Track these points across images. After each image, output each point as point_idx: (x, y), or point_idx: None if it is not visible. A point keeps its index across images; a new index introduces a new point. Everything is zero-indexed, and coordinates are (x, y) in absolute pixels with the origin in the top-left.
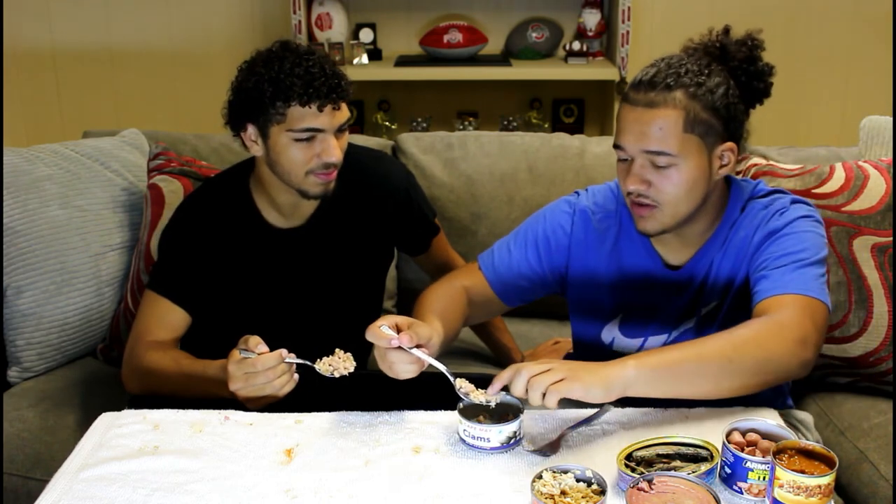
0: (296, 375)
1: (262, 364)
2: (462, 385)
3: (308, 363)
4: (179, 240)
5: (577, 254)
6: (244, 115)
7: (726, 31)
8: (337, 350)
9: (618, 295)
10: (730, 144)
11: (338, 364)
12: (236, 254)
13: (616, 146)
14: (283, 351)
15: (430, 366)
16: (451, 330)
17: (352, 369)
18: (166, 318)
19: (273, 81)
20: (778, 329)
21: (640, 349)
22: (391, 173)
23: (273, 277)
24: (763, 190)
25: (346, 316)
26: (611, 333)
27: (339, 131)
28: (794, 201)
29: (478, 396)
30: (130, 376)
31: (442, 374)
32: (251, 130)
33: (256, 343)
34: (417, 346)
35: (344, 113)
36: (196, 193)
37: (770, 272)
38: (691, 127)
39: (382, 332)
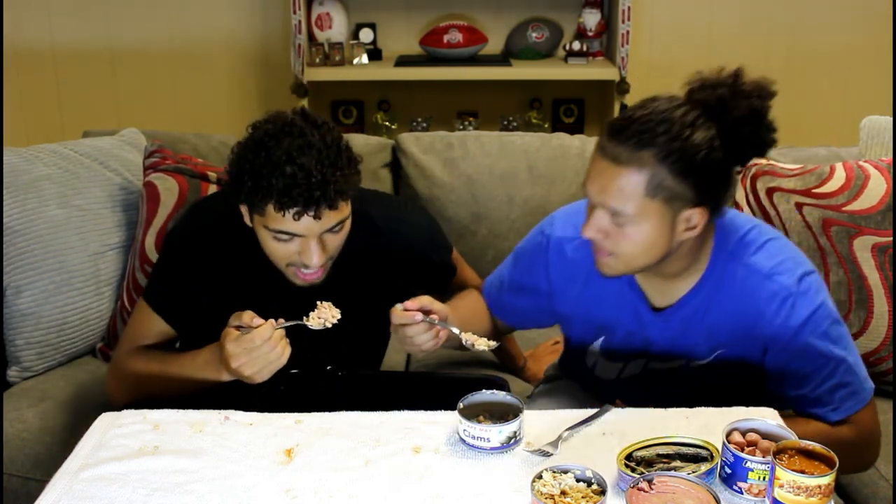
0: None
1: (261, 337)
2: (468, 337)
3: (298, 322)
4: (185, 258)
5: (558, 288)
6: (233, 193)
7: (736, 75)
8: (319, 303)
9: (596, 320)
10: (700, 209)
11: (325, 314)
12: (242, 287)
13: (584, 186)
14: (272, 321)
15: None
16: (465, 322)
17: (339, 316)
18: (156, 330)
19: (253, 175)
20: (869, 453)
21: (619, 375)
22: (409, 239)
23: (271, 308)
24: (754, 244)
25: (352, 349)
26: (593, 356)
27: (331, 231)
28: (801, 277)
29: (481, 343)
30: (119, 386)
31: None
32: (243, 208)
33: (251, 318)
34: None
35: (330, 219)
36: (212, 206)
37: (824, 395)
38: (654, 192)
39: (399, 313)
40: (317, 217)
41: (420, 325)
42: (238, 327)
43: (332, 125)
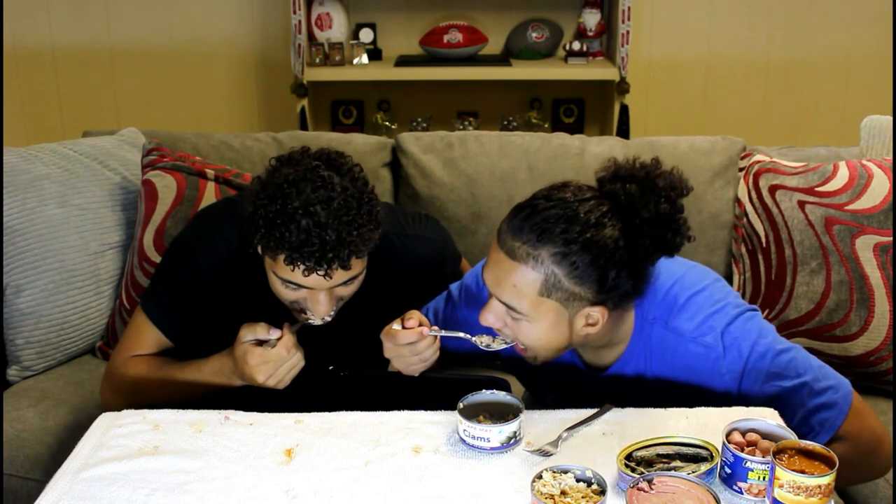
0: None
1: (286, 347)
2: (482, 339)
3: (304, 323)
4: (186, 273)
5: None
6: (248, 231)
7: (649, 169)
8: None
9: (540, 377)
10: (600, 307)
11: None
12: (246, 295)
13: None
14: (287, 327)
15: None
16: None
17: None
18: (154, 341)
19: (268, 223)
20: (878, 457)
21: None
22: (424, 255)
23: (278, 321)
24: (675, 304)
25: (358, 355)
26: (550, 405)
27: (342, 285)
28: (723, 331)
29: (498, 344)
30: (115, 395)
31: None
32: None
33: (267, 329)
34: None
35: (341, 276)
36: (218, 216)
37: (800, 427)
38: (549, 292)
39: (405, 331)
40: (327, 276)
41: (428, 339)
42: (258, 342)
43: (357, 172)
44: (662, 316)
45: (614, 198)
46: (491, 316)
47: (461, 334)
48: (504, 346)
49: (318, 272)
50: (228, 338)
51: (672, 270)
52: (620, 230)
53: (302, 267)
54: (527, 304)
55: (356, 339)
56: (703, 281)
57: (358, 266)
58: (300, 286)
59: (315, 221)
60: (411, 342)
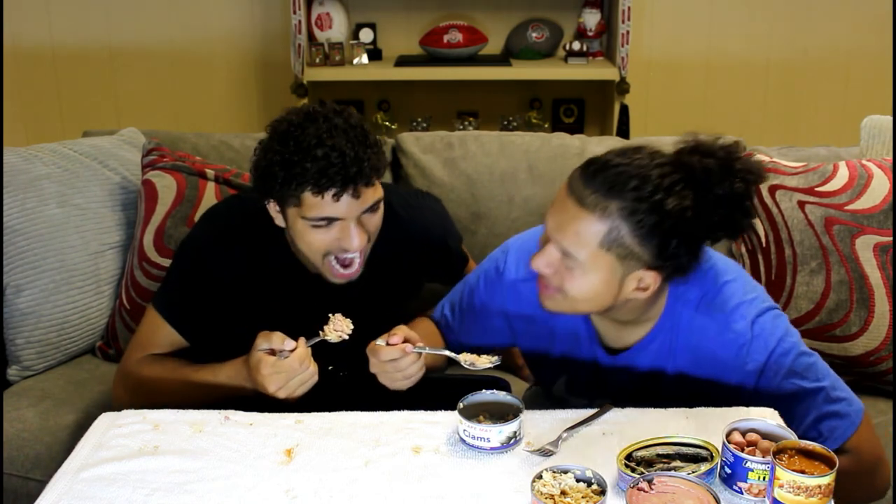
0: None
1: (299, 360)
2: (466, 358)
3: (320, 339)
4: (199, 269)
5: (516, 326)
6: (263, 191)
7: (731, 150)
8: (331, 315)
9: (555, 359)
10: (654, 273)
11: (340, 326)
12: (261, 291)
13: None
14: (303, 340)
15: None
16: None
17: (352, 326)
18: (169, 340)
19: (285, 165)
20: (879, 478)
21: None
22: (429, 224)
23: (294, 316)
24: (710, 290)
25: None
26: (559, 391)
27: (368, 212)
28: (753, 321)
29: (483, 362)
30: (129, 394)
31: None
32: (273, 205)
33: (282, 340)
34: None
35: (368, 197)
36: (228, 213)
37: (809, 431)
38: (609, 246)
39: (388, 347)
40: (356, 195)
41: (411, 356)
42: (271, 352)
43: (352, 110)
44: (695, 298)
45: (690, 170)
46: (542, 261)
47: (447, 352)
48: (489, 365)
49: (348, 192)
50: (242, 340)
51: (708, 255)
52: (691, 201)
53: (331, 192)
54: (585, 254)
55: (370, 326)
56: (736, 271)
57: (378, 189)
58: (332, 220)
59: (331, 146)
60: (394, 359)
